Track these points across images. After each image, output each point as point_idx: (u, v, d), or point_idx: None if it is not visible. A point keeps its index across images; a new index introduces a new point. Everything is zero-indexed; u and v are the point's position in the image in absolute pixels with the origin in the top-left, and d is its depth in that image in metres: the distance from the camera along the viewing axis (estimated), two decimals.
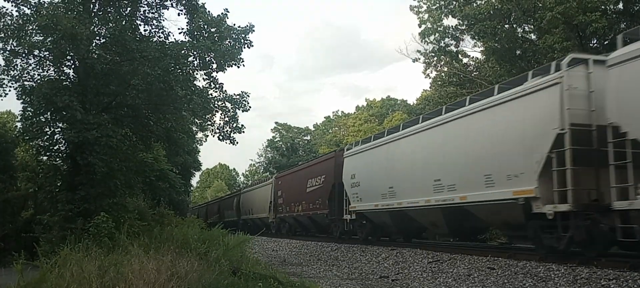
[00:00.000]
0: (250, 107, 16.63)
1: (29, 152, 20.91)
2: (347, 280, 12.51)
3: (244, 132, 16.90)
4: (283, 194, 28.99)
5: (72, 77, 15.52)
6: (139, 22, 15.89)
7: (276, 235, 29.06)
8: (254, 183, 43.31)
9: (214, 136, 17.12)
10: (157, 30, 15.95)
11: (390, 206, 16.54)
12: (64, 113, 14.11)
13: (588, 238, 9.76)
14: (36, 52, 14.98)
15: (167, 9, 16.10)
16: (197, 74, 16.03)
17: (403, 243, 17.14)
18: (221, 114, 16.69)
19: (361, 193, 18.64)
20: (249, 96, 16.66)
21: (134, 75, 14.66)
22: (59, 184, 15.82)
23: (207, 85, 16.28)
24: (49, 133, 15.36)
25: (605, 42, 21.03)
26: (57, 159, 15.92)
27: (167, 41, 15.69)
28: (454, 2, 26.64)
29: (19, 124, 17.34)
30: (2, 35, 14.42)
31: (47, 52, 14.91)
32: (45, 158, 16.32)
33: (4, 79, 14.95)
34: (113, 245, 10.89)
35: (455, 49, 28.98)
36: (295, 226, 27.88)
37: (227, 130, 16.77)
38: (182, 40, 15.61)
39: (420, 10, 28.84)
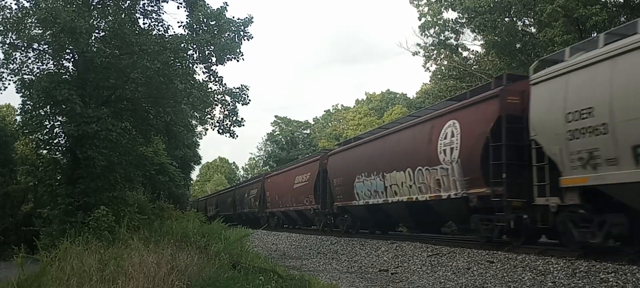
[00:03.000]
0: (250, 100, 16.66)
1: (28, 145, 20.97)
2: (347, 273, 12.53)
3: (243, 125, 16.92)
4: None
5: (71, 70, 15.51)
6: (138, 15, 15.89)
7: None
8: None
9: (213, 130, 17.18)
10: (156, 23, 15.96)
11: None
12: (64, 106, 14.10)
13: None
14: (35, 46, 14.99)
15: (167, 2, 16.17)
16: (196, 67, 16.03)
17: (403, 238, 17.21)
18: (221, 108, 16.72)
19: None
20: (248, 89, 16.68)
21: (133, 68, 14.64)
22: (58, 178, 15.87)
23: (207, 79, 16.29)
24: (48, 126, 15.36)
25: None
26: (57, 153, 15.94)
27: (166, 34, 15.68)
28: None
29: (18, 118, 17.36)
30: (2, 28, 14.40)
31: (47, 46, 14.91)
32: (45, 152, 16.33)
33: (3, 72, 14.97)
34: (113, 239, 10.93)
35: (455, 42, 28.88)
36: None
37: (226, 124, 16.77)
38: (181, 34, 15.60)
39: (420, 3, 28.73)
